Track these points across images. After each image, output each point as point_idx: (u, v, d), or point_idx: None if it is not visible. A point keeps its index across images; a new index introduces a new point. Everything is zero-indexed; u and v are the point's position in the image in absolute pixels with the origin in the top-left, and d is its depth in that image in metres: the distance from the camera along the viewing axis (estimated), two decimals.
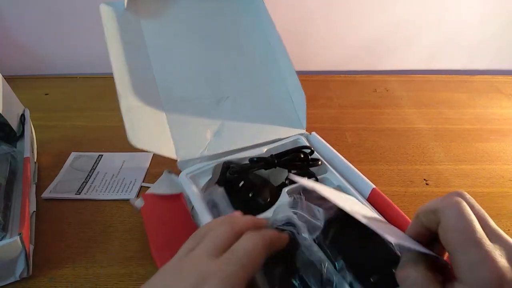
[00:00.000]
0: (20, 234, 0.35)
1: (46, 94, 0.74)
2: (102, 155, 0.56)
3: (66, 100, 0.73)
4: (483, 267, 0.22)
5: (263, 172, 0.42)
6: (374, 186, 0.37)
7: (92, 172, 0.52)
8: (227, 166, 0.40)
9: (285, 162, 0.41)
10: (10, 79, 0.52)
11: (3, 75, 0.51)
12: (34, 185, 0.48)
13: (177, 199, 0.40)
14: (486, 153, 0.58)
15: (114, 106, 0.69)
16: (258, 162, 0.41)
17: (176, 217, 0.38)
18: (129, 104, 0.40)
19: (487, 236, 0.23)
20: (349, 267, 0.29)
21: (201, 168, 0.41)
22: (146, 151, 0.38)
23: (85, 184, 0.50)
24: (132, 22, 0.45)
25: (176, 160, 0.41)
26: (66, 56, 0.82)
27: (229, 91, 0.47)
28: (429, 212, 0.25)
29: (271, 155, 0.42)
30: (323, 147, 0.44)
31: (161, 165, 0.53)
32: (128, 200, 0.48)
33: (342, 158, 0.41)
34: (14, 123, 0.50)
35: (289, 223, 0.31)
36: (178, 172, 0.42)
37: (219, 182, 0.40)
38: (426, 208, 0.26)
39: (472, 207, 0.25)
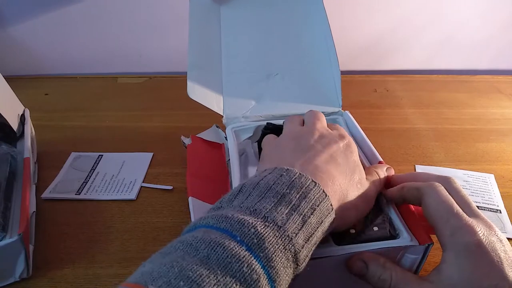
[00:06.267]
0: (20, 234, 0.35)
1: (46, 94, 0.74)
2: (102, 155, 0.56)
3: (66, 100, 0.73)
4: (464, 232, 0.26)
5: None
6: (381, 159, 0.41)
7: (92, 172, 0.52)
8: (266, 128, 0.47)
9: None
10: (10, 79, 0.52)
11: (3, 75, 0.51)
12: (34, 185, 0.48)
13: (219, 148, 0.50)
14: (486, 153, 0.58)
15: (114, 106, 0.69)
16: None
17: (213, 160, 0.48)
18: (195, 66, 0.49)
19: (468, 215, 0.28)
20: None
21: (245, 126, 0.48)
22: (199, 103, 0.47)
23: (85, 184, 0.50)
24: (214, 6, 0.55)
25: (222, 116, 0.49)
26: (66, 56, 0.82)
27: (280, 69, 0.54)
28: (413, 188, 0.31)
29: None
30: (351, 124, 0.49)
31: (161, 166, 0.54)
32: (128, 200, 0.48)
33: (364, 135, 0.46)
34: (14, 123, 0.50)
35: None
36: (223, 128, 0.50)
37: (258, 142, 0.46)
38: (411, 185, 0.32)
39: (458, 192, 0.30)
